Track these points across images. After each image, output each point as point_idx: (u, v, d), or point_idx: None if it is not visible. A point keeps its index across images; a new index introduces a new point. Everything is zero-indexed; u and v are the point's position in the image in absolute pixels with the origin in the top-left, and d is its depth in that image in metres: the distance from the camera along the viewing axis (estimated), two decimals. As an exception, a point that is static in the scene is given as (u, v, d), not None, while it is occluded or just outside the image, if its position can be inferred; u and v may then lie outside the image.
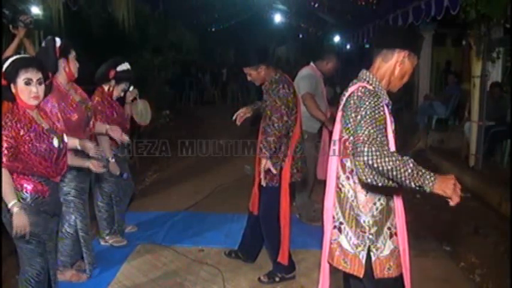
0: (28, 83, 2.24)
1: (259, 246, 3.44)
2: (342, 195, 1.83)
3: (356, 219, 1.79)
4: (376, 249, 1.78)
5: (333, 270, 1.96)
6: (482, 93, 5.57)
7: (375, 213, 1.77)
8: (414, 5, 6.07)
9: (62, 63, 2.92)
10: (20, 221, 2.20)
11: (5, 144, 2.17)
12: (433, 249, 3.73)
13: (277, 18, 14.30)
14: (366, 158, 1.57)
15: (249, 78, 3.16)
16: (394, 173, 1.55)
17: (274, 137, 2.93)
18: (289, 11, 12.52)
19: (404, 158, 1.58)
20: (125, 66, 3.62)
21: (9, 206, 2.20)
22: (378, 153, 1.56)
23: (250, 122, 2.99)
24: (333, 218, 1.89)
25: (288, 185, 3.07)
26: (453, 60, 10.16)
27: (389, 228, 1.80)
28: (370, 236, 1.77)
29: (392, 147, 1.74)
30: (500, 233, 3.98)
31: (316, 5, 9.32)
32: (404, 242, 1.85)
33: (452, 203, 1.61)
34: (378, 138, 1.61)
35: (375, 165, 1.56)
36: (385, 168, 1.55)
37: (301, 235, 3.82)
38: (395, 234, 1.82)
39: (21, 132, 2.22)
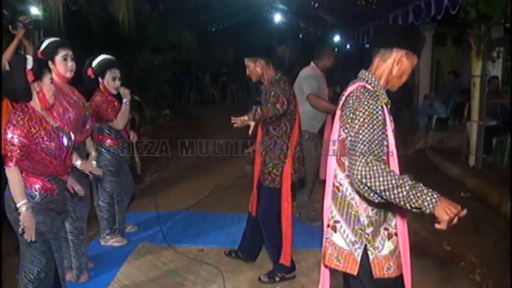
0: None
1: (259, 246, 3.44)
2: (340, 193, 1.83)
3: (355, 216, 1.78)
4: (374, 249, 1.77)
5: (333, 270, 1.96)
6: (482, 93, 5.57)
7: (370, 213, 1.77)
8: (414, 4, 6.08)
9: (50, 64, 2.88)
10: (27, 221, 2.21)
11: (17, 144, 2.17)
12: (433, 249, 3.72)
13: (277, 17, 14.26)
14: (359, 177, 1.57)
15: (247, 72, 3.16)
16: (387, 193, 1.54)
17: (262, 115, 2.88)
18: (289, 10, 12.51)
19: (402, 177, 1.55)
20: (99, 58, 3.54)
21: (18, 205, 2.20)
22: (371, 172, 1.55)
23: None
24: (328, 216, 1.88)
25: (289, 185, 3.07)
26: (452, 60, 10.14)
27: (387, 229, 1.79)
28: (367, 236, 1.77)
29: (393, 147, 1.74)
30: (500, 232, 3.98)
31: (316, 5, 9.32)
32: (405, 242, 1.83)
33: (438, 226, 1.57)
34: (375, 151, 1.60)
35: (368, 185, 1.57)
36: (377, 189, 1.56)
37: (301, 235, 3.82)
38: (396, 234, 1.82)
39: (33, 131, 2.22)
